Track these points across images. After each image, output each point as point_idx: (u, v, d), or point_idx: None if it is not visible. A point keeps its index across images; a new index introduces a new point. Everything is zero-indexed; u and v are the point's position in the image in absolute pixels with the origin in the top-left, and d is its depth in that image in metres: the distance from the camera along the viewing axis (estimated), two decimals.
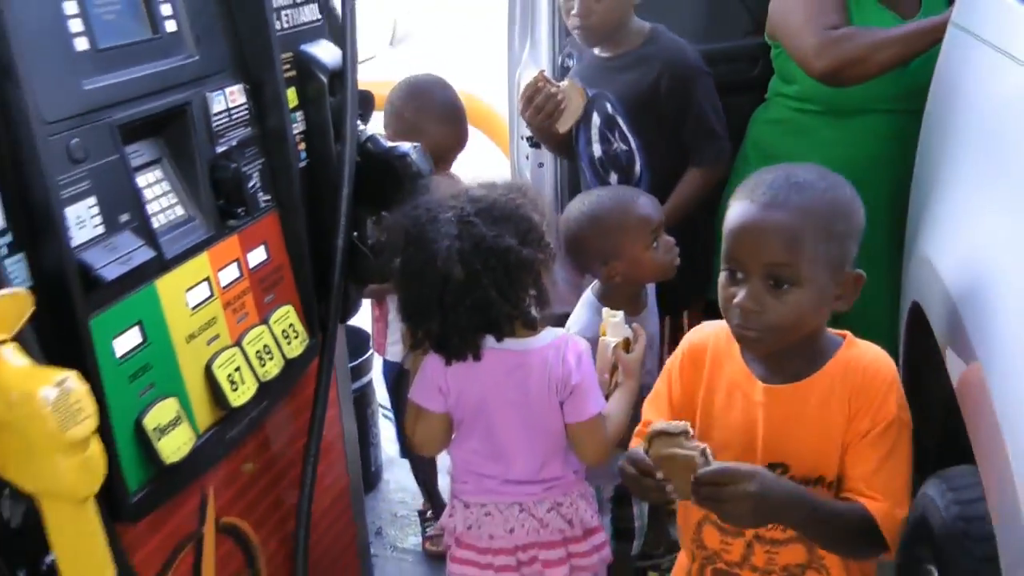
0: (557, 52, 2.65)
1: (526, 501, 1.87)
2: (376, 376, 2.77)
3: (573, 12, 2.27)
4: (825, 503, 1.40)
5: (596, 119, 2.37)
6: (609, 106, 2.35)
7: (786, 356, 1.43)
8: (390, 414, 2.78)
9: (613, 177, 2.41)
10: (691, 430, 1.35)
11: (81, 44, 1.31)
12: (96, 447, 1.07)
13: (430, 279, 1.68)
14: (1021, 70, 1.42)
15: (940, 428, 1.72)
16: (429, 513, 2.71)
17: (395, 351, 2.47)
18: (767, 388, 1.45)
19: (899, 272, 2.00)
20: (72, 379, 1.04)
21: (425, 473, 2.65)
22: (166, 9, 1.48)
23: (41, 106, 1.20)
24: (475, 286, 1.67)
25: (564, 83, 2.34)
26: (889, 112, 2.23)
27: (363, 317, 2.32)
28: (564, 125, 2.35)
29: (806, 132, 2.31)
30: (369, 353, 2.75)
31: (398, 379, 2.47)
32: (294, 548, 1.84)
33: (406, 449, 2.63)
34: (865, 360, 1.42)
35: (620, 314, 1.92)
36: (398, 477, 2.88)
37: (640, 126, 2.33)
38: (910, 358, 1.84)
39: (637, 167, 2.36)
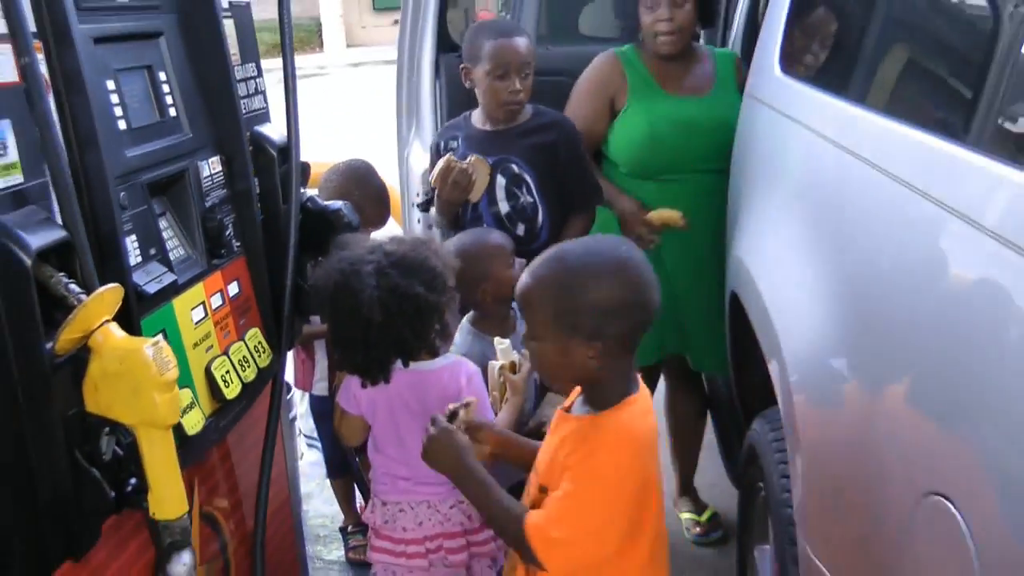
0: (439, 134, 3.21)
1: (433, 500, 2.33)
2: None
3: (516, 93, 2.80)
4: (501, 494, 1.82)
5: (501, 180, 2.86)
6: (515, 167, 2.85)
7: (585, 394, 1.85)
8: (316, 443, 3.24)
9: (520, 228, 2.89)
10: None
11: (122, 124, 1.82)
12: (176, 391, 1.56)
13: (355, 320, 2.14)
14: (785, 120, 2.08)
15: (762, 381, 2.28)
16: (350, 528, 3.18)
17: (321, 387, 2.96)
18: (560, 412, 1.89)
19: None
20: (162, 340, 1.54)
21: (364, 485, 3.11)
22: (167, 99, 2.00)
23: (107, 168, 1.71)
24: (392, 326, 2.14)
25: (470, 159, 2.80)
26: (696, 172, 2.90)
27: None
28: (477, 194, 2.83)
29: (636, 190, 2.97)
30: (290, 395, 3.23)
31: (323, 411, 2.95)
32: (252, 542, 2.31)
33: (334, 470, 3.10)
34: (606, 420, 1.75)
35: (507, 341, 2.46)
36: (316, 506, 3.33)
37: (543, 181, 2.87)
38: (735, 334, 2.46)
39: (540, 217, 2.89)
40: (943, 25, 1.56)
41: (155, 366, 1.50)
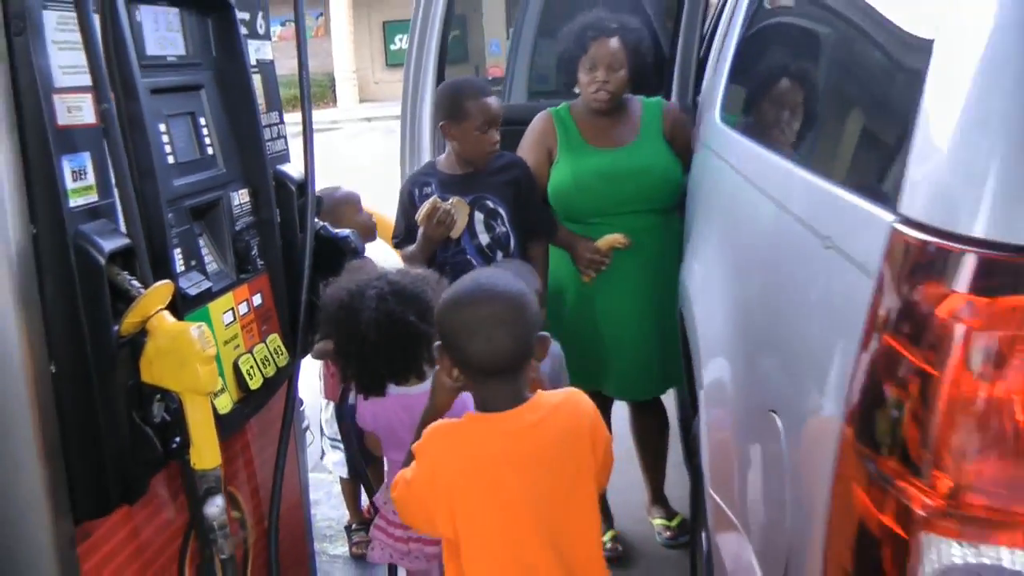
0: (409, 182, 3.50)
1: None
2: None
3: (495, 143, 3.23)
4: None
5: (479, 215, 3.27)
6: (490, 203, 3.27)
7: None
8: (339, 444, 3.63)
9: (499, 255, 3.29)
10: None
11: (171, 159, 2.28)
12: (215, 365, 2.00)
13: (354, 336, 2.48)
14: (719, 161, 2.52)
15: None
16: (354, 526, 3.59)
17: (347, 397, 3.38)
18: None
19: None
20: (204, 326, 1.99)
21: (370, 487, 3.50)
22: (206, 140, 2.47)
23: (161, 193, 2.16)
24: (385, 347, 2.45)
25: (451, 201, 3.20)
26: (622, 214, 3.34)
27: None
28: (458, 231, 3.22)
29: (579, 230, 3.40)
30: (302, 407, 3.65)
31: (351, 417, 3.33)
32: (268, 526, 2.72)
33: (353, 468, 3.51)
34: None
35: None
36: (323, 511, 3.74)
37: (512, 213, 3.29)
38: (685, 350, 2.89)
39: (511, 244, 3.31)
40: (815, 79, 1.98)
41: (199, 344, 1.95)
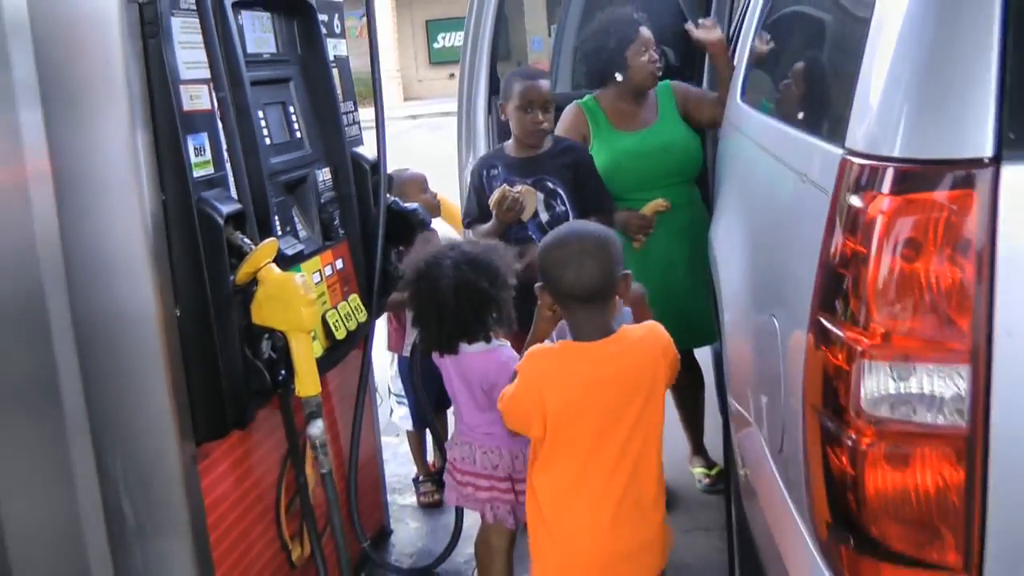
0: (478, 164, 3.92)
1: (474, 444, 2.96)
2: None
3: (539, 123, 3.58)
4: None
5: (539, 195, 3.61)
6: (550, 183, 3.62)
7: None
8: (404, 400, 4.04)
9: None
10: None
11: (268, 140, 2.72)
12: (315, 307, 2.43)
13: (432, 302, 2.82)
14: (739, 134, 2.90)
15: None
16: (421, 478, 4.01)
17: (409, 350, 3.79)
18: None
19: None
20: (306, 275, 2.42)
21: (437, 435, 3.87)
22: (295, 125, 2.90)
23: (263, 168, 2.59)
24: (460, 310, 2.78)
25: (519, 187, 3.52)
26: (657, 188, 3.74)
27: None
28: (527, 215, 3.55)
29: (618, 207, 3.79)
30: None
31: (411, 369, 3.72)
32: (347, 468, 3.14)
33: (419, 421, 3.92)
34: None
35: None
36: (392, 468, 4.15)
37: (570, 193, 3.63)
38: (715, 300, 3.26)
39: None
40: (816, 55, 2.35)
41: (302, 289, 2.38)
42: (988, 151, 1.24)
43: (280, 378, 2.47)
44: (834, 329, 1.37)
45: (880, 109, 1.36)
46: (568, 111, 3.90)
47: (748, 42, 3.26)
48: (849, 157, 1.40)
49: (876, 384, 1.32)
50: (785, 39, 2.66)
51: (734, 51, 3.84)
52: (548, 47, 17.91)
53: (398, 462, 4.22)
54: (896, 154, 1.31)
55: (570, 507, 2.48)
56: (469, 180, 3.83)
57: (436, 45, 29.93)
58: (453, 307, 2.78)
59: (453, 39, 29.01)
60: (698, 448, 4.13)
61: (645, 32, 3.76)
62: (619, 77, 3.79)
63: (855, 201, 1.35)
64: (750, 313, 2.13)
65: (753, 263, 2.21)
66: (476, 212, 3.75)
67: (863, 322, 1.32)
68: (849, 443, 1.36)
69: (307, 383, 2.46)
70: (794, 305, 1.60)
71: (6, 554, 2.36)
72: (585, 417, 2.43)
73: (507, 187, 3.52)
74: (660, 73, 3.82)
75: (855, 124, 1.41)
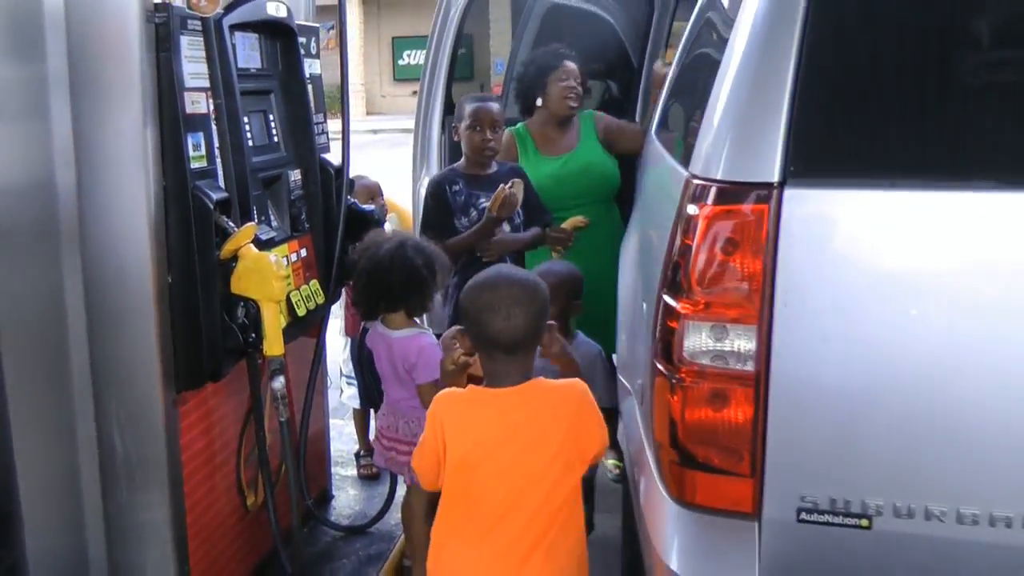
0: (437, 181, 4.49)
1: (397, 413, 3.53)
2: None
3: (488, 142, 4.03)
4: None
5: None
6: None
7: None
8: (353, 380, 4.54)
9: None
10: None
11: (251, 142, 3.25)
12: (284, 282, 2.96)
13: (371, 268, 3.36)
14: (650, 165, 3.48)
15: None
16: (362, 452, 4.54)
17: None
18: None
19: None
20: (277, 255, 2.95)
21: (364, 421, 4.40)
22: (274, 131, 3.44)
23: (247, 165, 3.12)
24: (388, 276, 3.31)
25: (513, 182, 3.93)
26: (574, 207, 4.27)
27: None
28: (517, 206, 3.92)
29: None
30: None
31: (360, 351, 4.21)
32: (299, 434, 3.66)
33: (364, 401, 4.44)
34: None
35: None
36: (336, 446, 4.66)
37: (522, 207, 4.05)
38: None
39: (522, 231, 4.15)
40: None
41: (275, 266, 2.91)
42: (776, 177, 1.82)
43: (251, 339, 2.98)
44: (671, 301, 1.94)
45: (712, 144, 1.94)
46: (503, 137, 4.35)
47: (668, 84, 3.85)
48: (691, 178, 1.97)
49: (697, 340, 1.88)
50: (684, 85, 3.25)
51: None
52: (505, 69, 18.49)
53: (342, 440, 4.73)
54: (719, 177, 1.88)
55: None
56: (429, 196, 4.18)
57: (401, 62, 30.51)
58: (386, 272, 3.31)
59: (418, 57, 29.59)
60: (612, 443, 4.69)
61: (569, 64, 4.30)
62: (539, 103, 4.34)
63: (691, 209, 1.92)
64: (633, 304, 2.70)
65: (638, 263, 2.78)
66: (440, 222, 4.05)
67: (689, 295, 1.88)
68: (677, 384, 1.92)
69: (274, 344, 2.99)
70: (654, 292, 2.16)
71: (16, 483, 2.84)
72: (492, 470, 2.34)
73: (503, 186, 3.90)
74: (575, 103, 4.33)
75: (697, 154, 1.99)
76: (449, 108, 4.85)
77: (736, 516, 1.91)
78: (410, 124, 5.15)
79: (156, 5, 2.74)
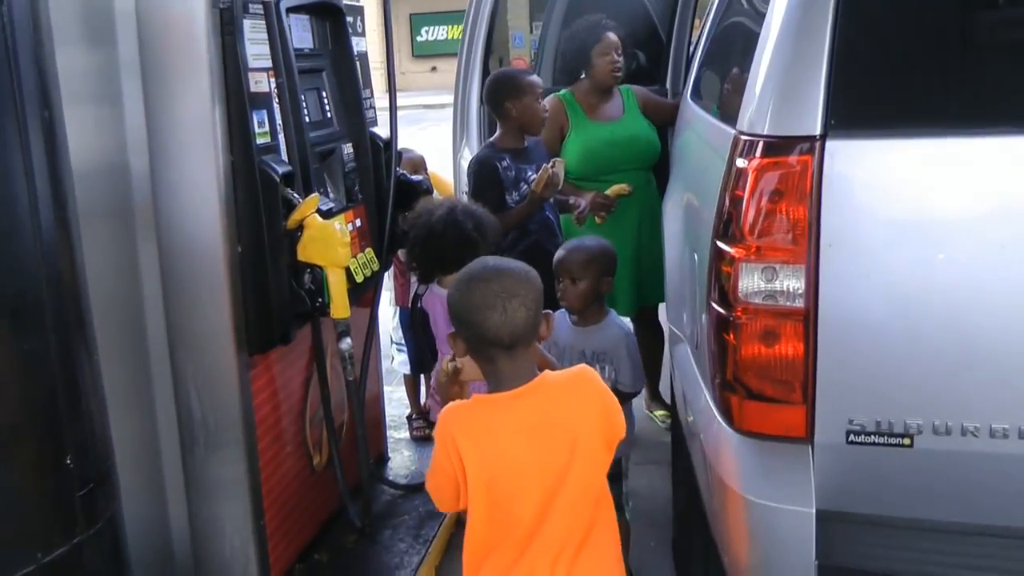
0: (486, 159, 4.66)
1: None
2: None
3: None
4: None
5: None
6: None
7: None
8: (404, 347, 4.78)
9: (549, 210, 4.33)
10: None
11: (307, 118, 3.44)
12: (348, 248, 3.16)
13: (422, 234, 3.61)
14: (688, 128, 3.67)
15: None
16: (414, 415, 4.76)
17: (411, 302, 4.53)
18: None
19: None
20: (341, 222, 3.15)
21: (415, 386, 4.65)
22: (326, 107, 3.64)
23: (307, 140, 3.32)
24: (442, 240, 3.52)
25: (554, 161, 4.02)
26: (622, 172, 4.49)
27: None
28: (560, 184, 4.06)
29: (585, 187, 4.51)
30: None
31: (412, 318, 4.44)
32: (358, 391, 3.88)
33: (416, 365, 4.67)
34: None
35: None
36: (388, 411, 4.89)
37: None
38: None
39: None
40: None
41: (340, 234, 3.11)
42: (818, 131, 2.01)
43: (318, 304, 3.20)
44: (725, 247, 2.13)
45: (757, 104, 2.13)
46: (549, 101, 4.54)
47: (699, 51, 4.03)
48: (739, 135, 2.16)
49: (750, 282, 2.08)
50: (720, 51, 3.43)
51: (693, 54, 4.61)
52: (528, 43, 18.69)
53: (392, 406, 4.95)
54: (765, 132, 2.07)
55: None
56: (480, 175, 4.21)
57: (419, 39, 30.68)
58: (439, 237, 3.49)
59: (436, 33, 29.83)
60: (654, 395, 4.91)
61: (610, 36, 4.51)
62: (583, 74, 4.53)
63: (740, 163, 2.11)
64: (682, 255, 2.90)
65: (684, 218, 2.97)
66: (495, 200, 4.09)
67: (742, 240, 2.08)
68: (733, 322, 2.12)
69: (340, 307, 3.20)
70: (707, 243, 2.35)
71: (111, 442, 3.06)
72: (518, 478, 2.17)
73: (546, 166, 4.05)
74: (619, 74, 4.55)
75: (743, 114, 2.18)
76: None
77: (791, 441, 2.11)
78: (429, 99, 5.36)
79: None
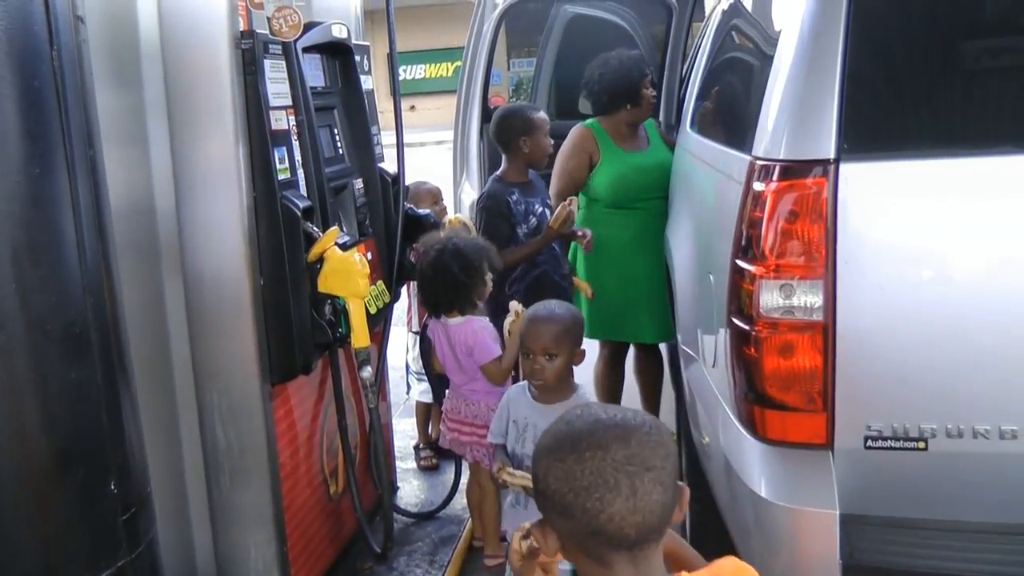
0: (497, 196, 4.80)
1: (463, 398, 3.90)
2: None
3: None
4: None
5: (545, 212, 4.42)
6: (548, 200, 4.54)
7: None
8: (424, 377, 4.86)
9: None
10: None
11: (327, 154, 3.57)
12: (368, 279, 3.28)
13: (424, 284, 3.86)
14: (687, 153, 3.82)
15: None
16: (421, 446, 4.86)
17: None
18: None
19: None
20: (361, 255, 3.27)
21: (425, 416, 4.76)
22: (338, 143, 3.77)
23: (323, 175, 3.45)
24: (436, 282, 3.75)
25: (571, 199, 4.20)
26: (651, 199, 4.64)
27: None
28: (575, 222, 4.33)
29: (611, 217, 4.63)
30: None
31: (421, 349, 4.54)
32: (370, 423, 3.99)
33: (437, 396, 4.76)
34: None
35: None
36: (394, 440, 5.00)
37: None
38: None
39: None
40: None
41: (359, 265, 3.23)
42: (832, 155, 2.16)
43: (339, 334, 3.31)
44: (745, 265, 2.27)
45: (772, 131, 2.28)
46: (577, 132, 4.69)
47: (696, 82, 4.20)
48: (754, 160, 2.30)
49: (770, 298, 2.21)
50: (723, 82, 3.59)
51: (685, 88, 4.78)
52: (506, 81, 19.04)
53: (398, 437, 5.04)
54: (781, 157, 2.22)
55: None
56: (492, 212, 4.37)
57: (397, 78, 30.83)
58: (430, 280, 3.78)
59: (412, 72, 30.02)
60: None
61: (649, 72, 4.69)
62: (629, 106, 4.64)
63: (758, 187, 2.25)
64: (695, 278, 3.04)
65: (696, 242, 3.12)
66: (508, 235, 4.32)
67: (761, 259, 2.22)
68: (754, 337, 2.25)
69: (361, 337, 3.31)
70: (723, 264, 2.49)
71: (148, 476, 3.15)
72: None
73: (564, 204, 4.24)
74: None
75: (758, 140, 2.33)
76: (486, 117, 5.20)
77: (812, 448, 2.25)
78: (409, 138, 5.50)
79: (242, 32, 3.07)
